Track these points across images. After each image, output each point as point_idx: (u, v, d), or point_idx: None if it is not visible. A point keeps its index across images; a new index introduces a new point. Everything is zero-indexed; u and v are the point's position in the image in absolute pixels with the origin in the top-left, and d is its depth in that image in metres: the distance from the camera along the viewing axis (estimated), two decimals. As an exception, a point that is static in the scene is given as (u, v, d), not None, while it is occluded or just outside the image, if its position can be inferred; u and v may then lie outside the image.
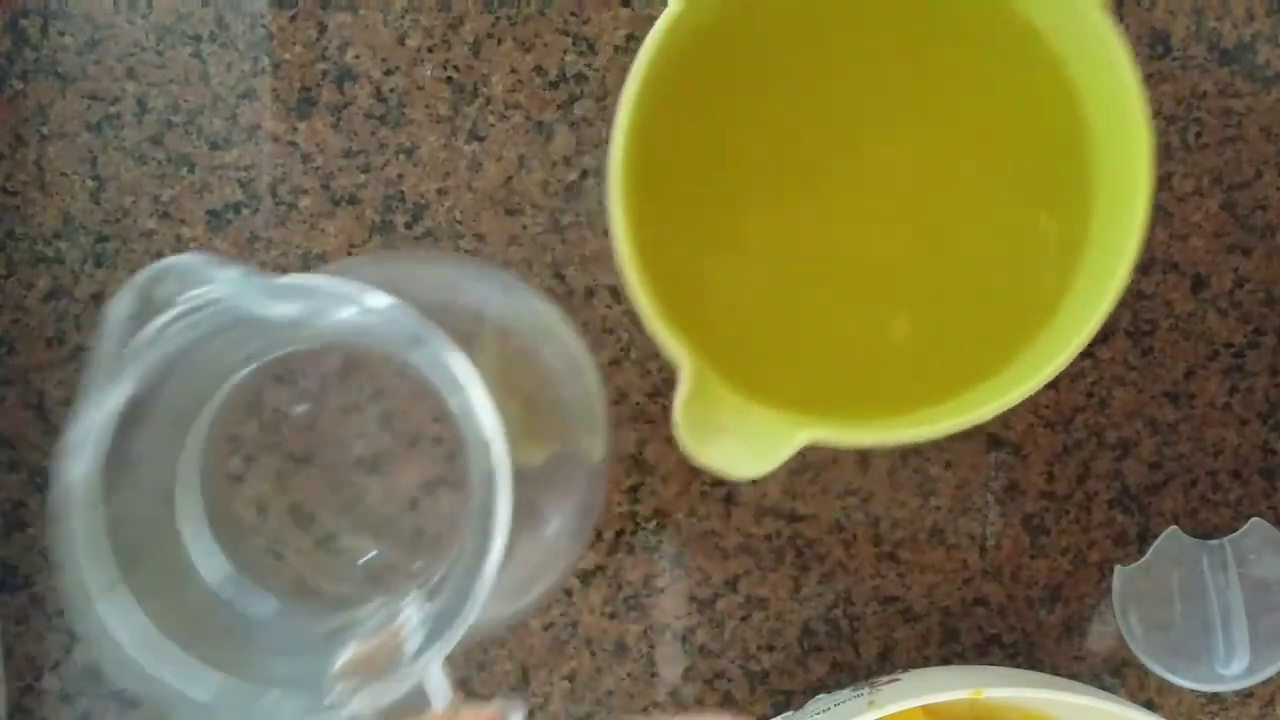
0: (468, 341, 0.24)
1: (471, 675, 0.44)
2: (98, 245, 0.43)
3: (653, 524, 0.43)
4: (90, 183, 0.43)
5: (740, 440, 0.33)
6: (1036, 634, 0.43)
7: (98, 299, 0.43)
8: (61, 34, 0.43)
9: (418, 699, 0.22)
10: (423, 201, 0.43)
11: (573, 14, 0.42)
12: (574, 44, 0.42)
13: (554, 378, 0.32)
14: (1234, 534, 0.42)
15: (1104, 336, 0.42)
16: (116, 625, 0.23)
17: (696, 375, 0.33)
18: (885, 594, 0.43)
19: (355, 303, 0.24)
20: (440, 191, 0.43)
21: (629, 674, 0.44)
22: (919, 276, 0.38)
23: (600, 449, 0.34)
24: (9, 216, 0.43)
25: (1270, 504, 0.43)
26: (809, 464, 0.43)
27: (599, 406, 0.34)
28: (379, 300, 0.24)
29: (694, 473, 0.43)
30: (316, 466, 0.32)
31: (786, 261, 0.38)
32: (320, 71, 0.42)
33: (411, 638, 0.23)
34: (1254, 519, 0.42)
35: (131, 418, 0.23)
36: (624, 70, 0.42)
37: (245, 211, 0.43)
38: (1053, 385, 0.42)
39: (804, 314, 0.38)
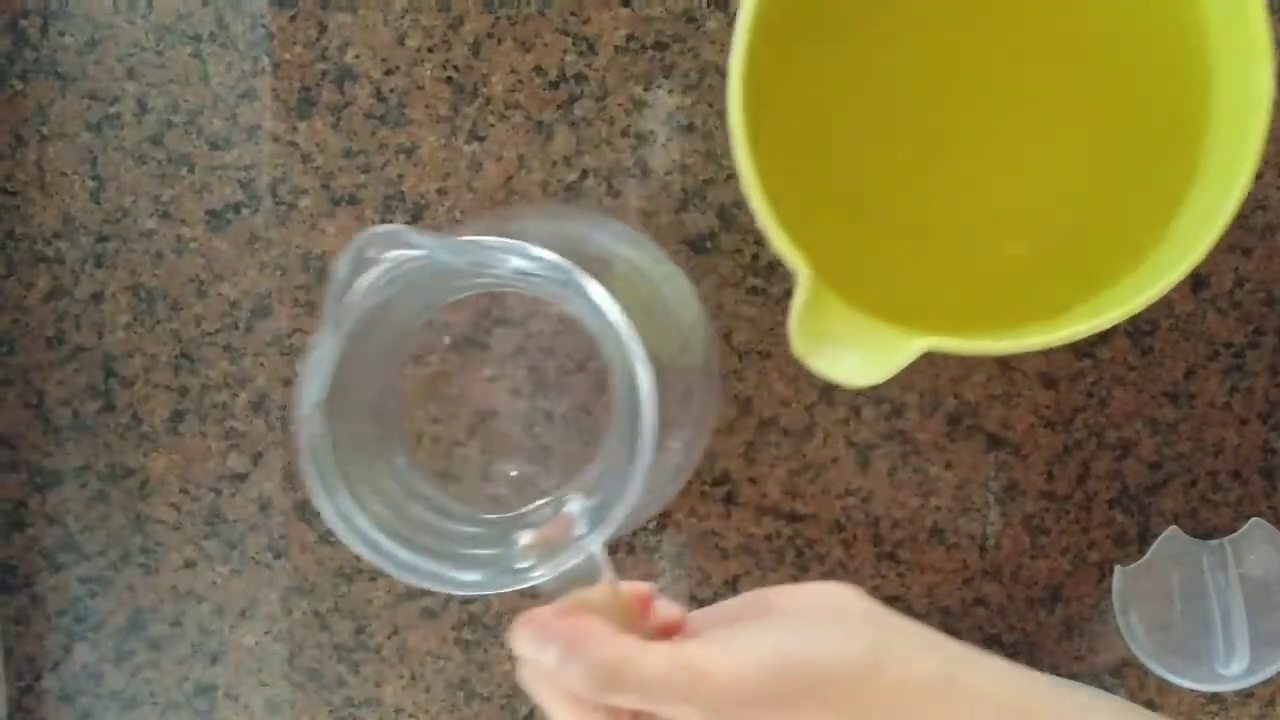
0: (602, 282, 0.29)
1: (471, 675, 0.44)
2: (97, 245, 0.43)
3: (653, 524, 0.43)
4: (90, 182, 0.43)
5: (855, 349, 0.34)
6: (1037, 634, 0.43)
7: (97, 299, 0.43)
8: (61, 34, 0.42)
9: (587, 570, 0.28)
10: (423, 201, 0.43)
11: (572, 14, 0.42)
12: (574, 44, 0.42)
13: (673, 312, 0.37)
14: (1234, 534, 0.42)
15: (1104, 336, 0.42)
16: (344, 525, 0.29)
17: (812, 285, 0.34)
18: (885, 594, 0.43)
19: (522, 255, 0.29)
20: (440, 191, 0.42)
21: (629, 674, 0.44)
22: (1035, 199, 0.39)
23: (710, 376, 0.39)
24: (9, 216, 0.43)
25: (1270, 504, 0.43)
26: (809, 464, 0.43)
27: (710, 340, 0.39)
28: (540, 252, 0.29)
29: (694, 472, 0.43)
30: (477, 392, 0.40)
31: (901, 187, 0.39)
32: (320, 71, 0.42)
33: (579, 523, 0.29)
34: (1254, 519, 0.42)
35: (348, 355, 0.29)
36: (624, 70, 0.42)
37: (245, 211, 0.43)
38: (1052, 385, 0.42)
39: (918, 235, 0.39)
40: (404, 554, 0.29)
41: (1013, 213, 0.39)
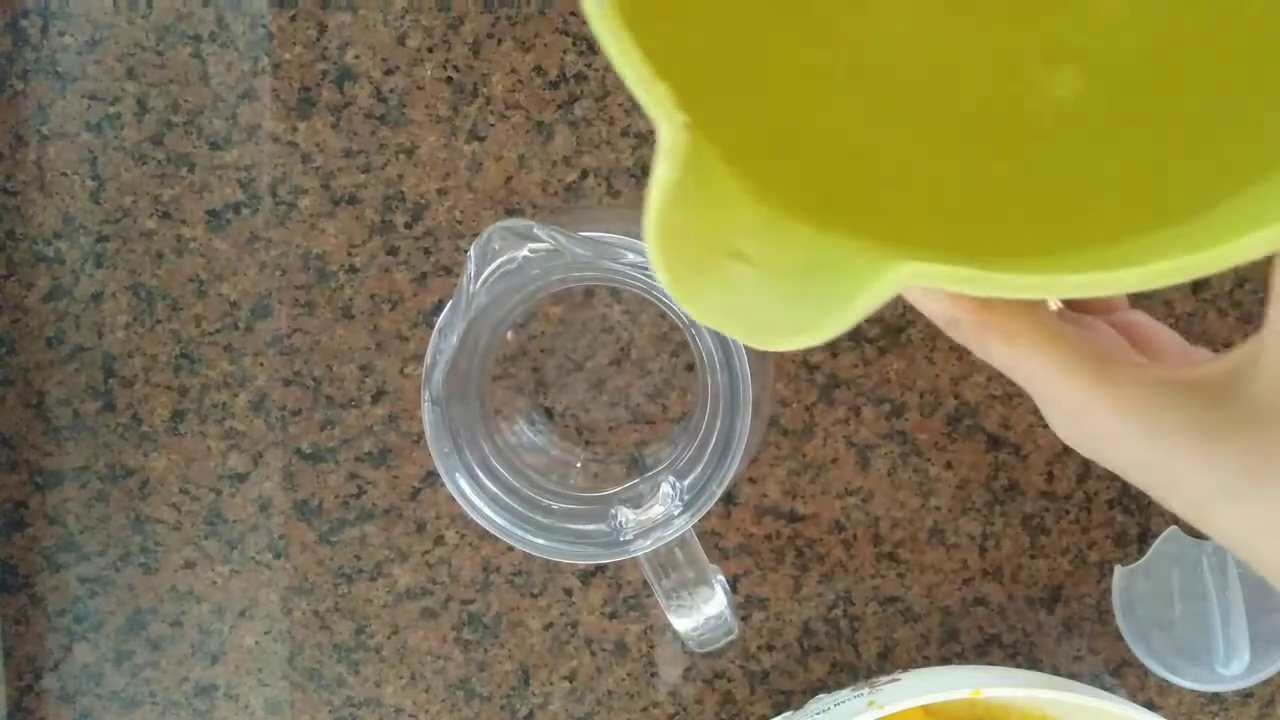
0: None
1: (471, 675, 0.44)
2: (97, 245, 0.43)
3: (653, 524, 0.43)
4: (90, 183, 0.43)
5: (775, 277, 0.20)
6: (1036, 634, 0.43)
7: (97, 299, 0.43)
8: (62, 34, 0.43)
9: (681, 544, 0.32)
10: (423, 201, 0.43)
11: (572, 14, 0.42)
12: (574, 44, 0.42)
13: None
14: (1234, 534, 0.42)
15: (1104, 336, 0.42)
16: (460, 499, 0.33)
17: (690, 154, 0.19)
18: (885, 594, 0.43)
19: (636, 249, 0.31)
20: (440, 191, 0.42)
21: (629, 674, 0.44)
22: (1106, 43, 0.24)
23: (764, 359, 0.39)
24: (9, 217, 0.43)
25: (1270, 504, 0.43)
26: (809, 464, 0.43)
27: None
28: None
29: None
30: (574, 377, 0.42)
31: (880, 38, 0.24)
32: (320, 71, 0.42)
33: (671, 502, 0.32)
34: (1254, 519, 0.42)
35: (465, 342, 0.31)
36: (624, 70, 0.42)
37: (245, 211, 0.43)
38: (1053, 385, 0.42)
39: (890, 73, 0.24)
40: (519, 531, 0.33)
41: (1060, 20, 0.23)
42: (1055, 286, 0.19)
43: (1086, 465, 0.43)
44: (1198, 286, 0.42)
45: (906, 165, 0.23)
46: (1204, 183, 0.21)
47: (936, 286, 0.19)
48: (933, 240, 0.20)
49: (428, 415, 0.32)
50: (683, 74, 0.19)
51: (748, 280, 0.19)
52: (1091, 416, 0.26)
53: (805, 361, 0.43)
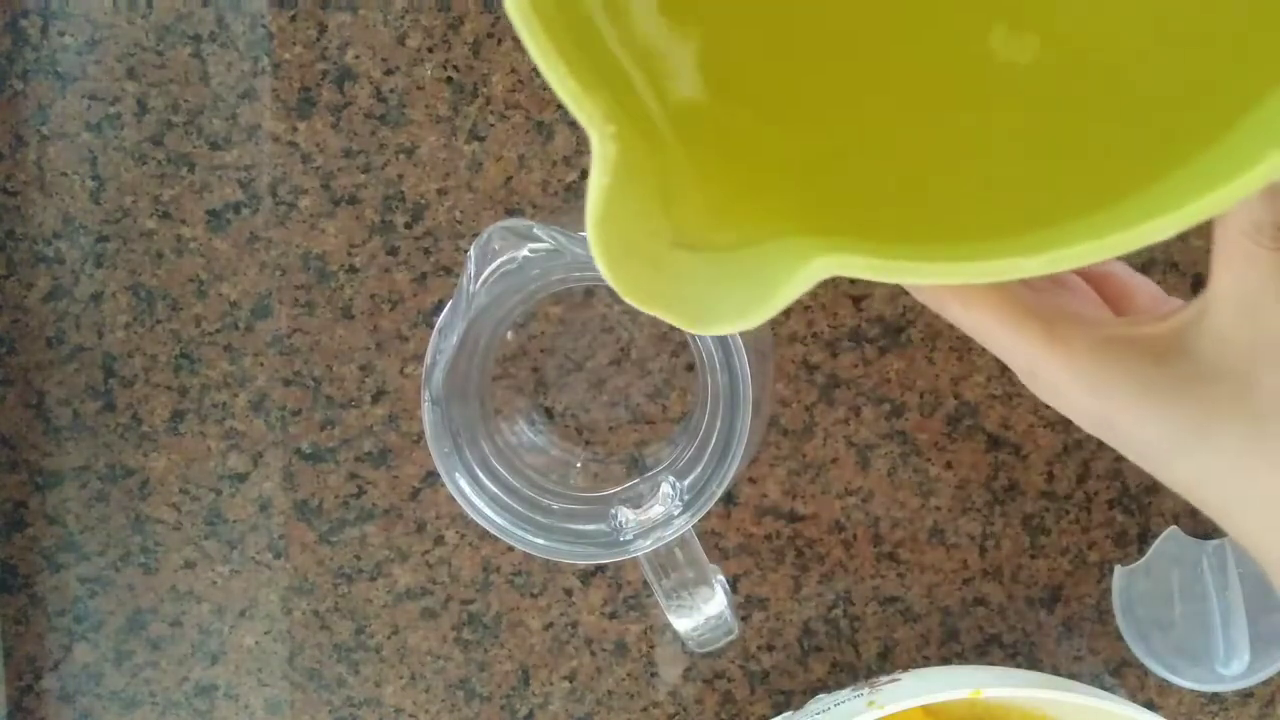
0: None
1: (471, 675, 0.44)
2: (97, 245, 0.43)
3: (653, 524, 0.43)
4: (90, 183, 0.43)
5: (709, 265, 0.21)
6: (1036, 634, 0.43)
7: (97, 299, 0.43)
8: (62, 34, 0.43)
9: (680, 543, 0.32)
10: (423, 201, 0.43)
11: (573, 14, 0.42)
12: (574, 44, 0.42)
13: None
14: (1234, 534, 0.42)
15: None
16: (461, 499, 0.33)
17: (621, 156, 0.21)
18: (885, 594, 0.43)
19: None
20: (440, 191, 0.43)
21: (629, 674, 0.44)
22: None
23: (765, 358, 0.39)
24: (9, 216, 0.43)
25: (1270, 504, 0.43)
26: (809, 464, 0.43)
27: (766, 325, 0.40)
28: None
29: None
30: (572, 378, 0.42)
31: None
32: (320, 71, 0.42)
33: (671, 502, 0.32)
34: (1254, 519, 0.42)
35: (465, 342, 0.32)
36: (624, 70, 0.42)
37: (245, 211, 0.43)
38: (1053, 385, 0.42)
39: (821, 35, 0.24)
40: (519, 531, 0.33)
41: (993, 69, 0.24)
42: (963, 273, 0.20)
43: (1086, 465, 0.43)
44: (1198, 286, 0.42)
45: (853, 138, 0.24)
46: (1147, 155, 0.22)
47: (863, 276, 0.20)
48: (870, 226, 0.22)
49: (428, 415, 0.32)
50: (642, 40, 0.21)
51: (688, 267, 0.21)
52: (1042, 374, 0.28)
53: (805, 362, 0.43)
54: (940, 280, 0.20)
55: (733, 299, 0.21)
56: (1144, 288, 0.32)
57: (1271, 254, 0.25)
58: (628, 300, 0.21)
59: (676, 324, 0.21)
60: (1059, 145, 0.23)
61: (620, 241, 0.21)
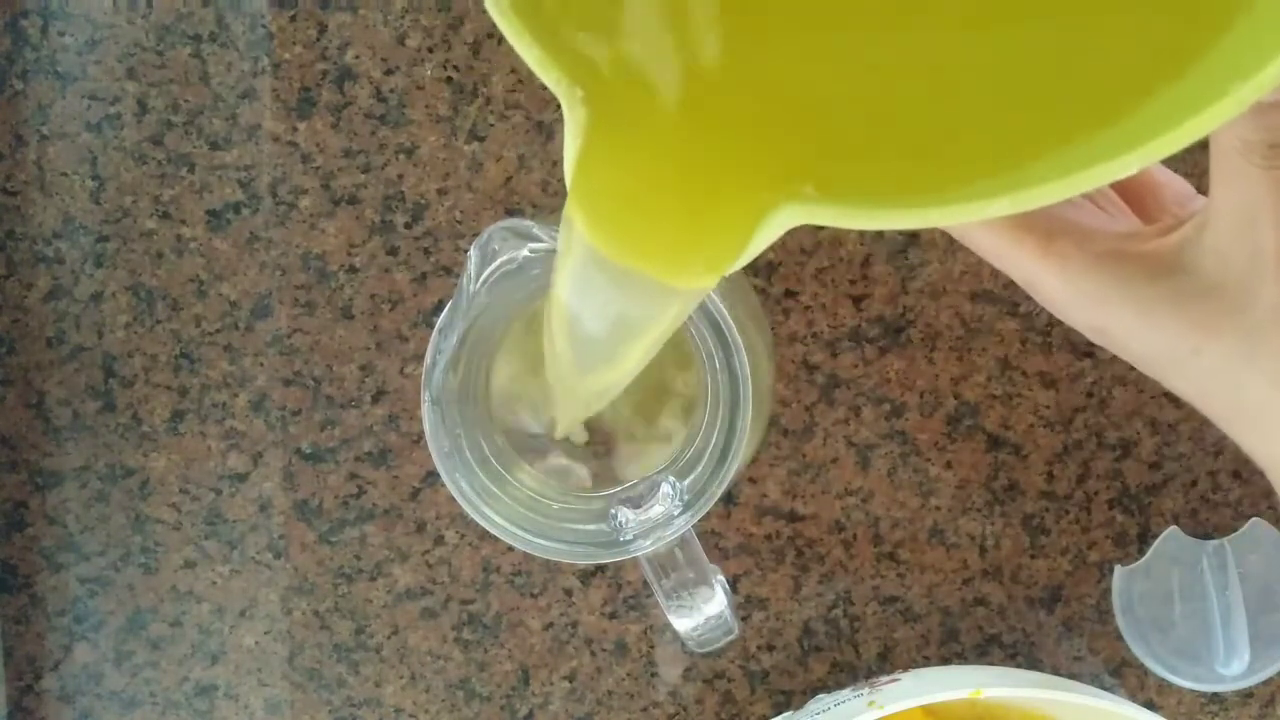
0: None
1: (471, 675, 0.44)
2: (98, 245, 0.43)
3: (653, 524, 0.43)
4: (90, 183, 0.43)
5: (680, 219, 0.22)
6: (1036, 634, 0.43)
7: (97, 299, 0.43)
8: (62, 34, 0.43)
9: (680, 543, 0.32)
10: (423, 201, 0.43)
11: (573, 14, 0.42)
12: (574, 44, 0.42)
13: (749, 309, 0.38)
14: (1234, 534, 0.42)
15: (1104, 336, 0.42)
16: (461, 498, 0.33)
17: (593, 115, 0.22)
18: (885, 594, 0.43)
19: None
20: (440, 191, 0.43)
21: (629, 674, 0.44)
22: None
23: (769, 358, 0.40)
24: (9, 216, 0.43)
25: (1270, 504, 0.43)
26: (809, 464, 0.43)
27: (765, 323, 0.40)
28: None
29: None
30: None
31: None
32: (320, 71, 0.42)
33: (671, 502, 0.32)
34: (1254, 519, 0.42)
35: (465, 341, 0.32)
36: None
37: (245, 211, 0.43)
38: (1053, 385, 0.42)
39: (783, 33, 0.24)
40: (519, 531, 0.33)
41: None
42: (927, 218, 0.21)
43: (1086, 466, 0.43)
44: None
45: (819, 84, 0.24)
46: (1114, 88, 0.22)
47: (829, 224, 0.21)
48: (837, 176, 0.22)
49: (428, 415, 0.32)
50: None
51: (660, 221, 0.22)
52: (1040, 288, 0.28)
53: (805, 362, 0.43)
54: (905, 225, 0.21)
55: (704, 251, 0.22)
56: (1170, 184, 0.32)
57: (1263, 172, 0.25)
58: (608, 254, 0.22)
59: (653, 275, 0.22)
60: (1026, 80, 0.23)
61: (595, 200, 0.22)
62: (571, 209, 0.22)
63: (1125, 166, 0.19)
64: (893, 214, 0.21)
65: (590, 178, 0.22)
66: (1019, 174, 0.20)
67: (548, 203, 0.42)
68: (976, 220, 0.23)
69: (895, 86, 0.23)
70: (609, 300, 0.24)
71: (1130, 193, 0.32)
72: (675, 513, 0.32)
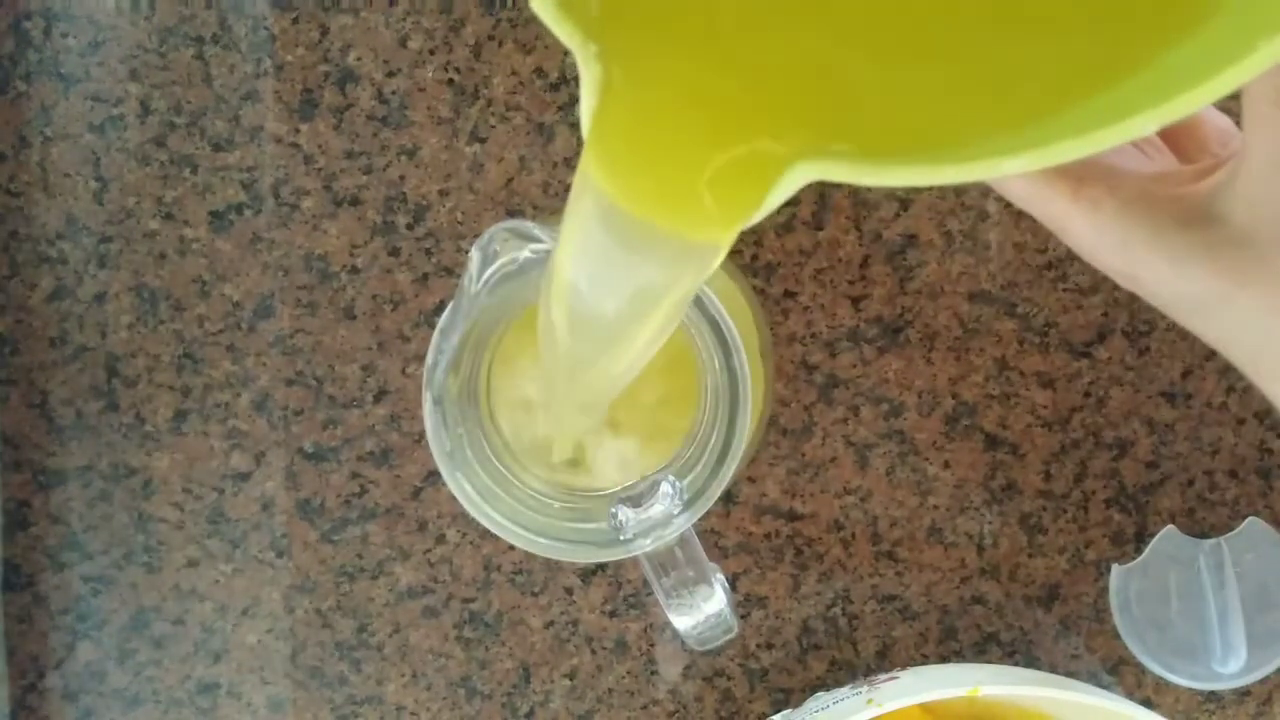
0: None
1: (472, 673, 0.44)
2: (100, 246, 0.43)
3: (653, 523, 0.43)
4: (93, 184, 0.43)
5: (696, 174, 0.22)
6: (1034, 632, 0.43)
7: (101, 299, 0.43)
8: (65, 36, 0.43)
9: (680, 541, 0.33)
10: (424, 203, 0.43)
11: (573, 16, 0.42)
12: (574, 46, 0.42)
13: (748, 309, 0.38)
14: (1231, 533, 0.42)
15: (1100, 336, 0.43)
16: (462, 497, 0.33)
17: (609, 71, 0.22)
18: (884, 592, 0.43)
19: None
20: (442, 193, 0.43)
21: (629, 672, 0.44)
22: None
23: (766, 357, 0.40)
24: (13, 217, 0.43)
25: (1267, 503, 0.43)
26: (808, 463, 0.43)
27: (764, 324, 0.41)
28: None
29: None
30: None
31: None
32: (322, 73, 0.42)
33: (671, 501, 0.32)
34: (1251, 518, 0.42)
35: (467, 341, 0.32)
36: (624, 72, 0.42)
37: (248, 212, 0.43)
38: (1050, 385, 0.43)
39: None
40: (520, 530, 0.33)
41: None
42: (943, 175, 0.20)
43: (1084, 465, 0.43)
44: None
45: (833, 38, 0.23)
46: (1136, 40, 0.21)
47: (845, 180, 0.21)
48: (852, 133, 0.22)
49: (429, 415, 0.32)
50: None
51: (674, 179, 0.22)
52: (1070, 233, 0.28)
53: (804, 361, 0.43)
54: (920, 182, 0.20)
55: (721, 202, 0.22)
56: (1211, 121, 0.32)
57: None
58: (625, 204, 0.22)
59: (669, 226, 0.22)
60: (1046, 33, 0.22)
61: (613, 151, 0.22)
62: (588, 162, 0.22)
63: (1146, 124, 0.19)
64: (909, 170, 0.20)
65: (607, 131, 0.22)
66: (1038, 131, 0.20)
67: (548, 204, 0.43)
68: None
69: (916, 39, 0.23)
70: (620, 263, 0.24)
71: (1168, 131, 0.31)
72: (675, 512, 0.32)
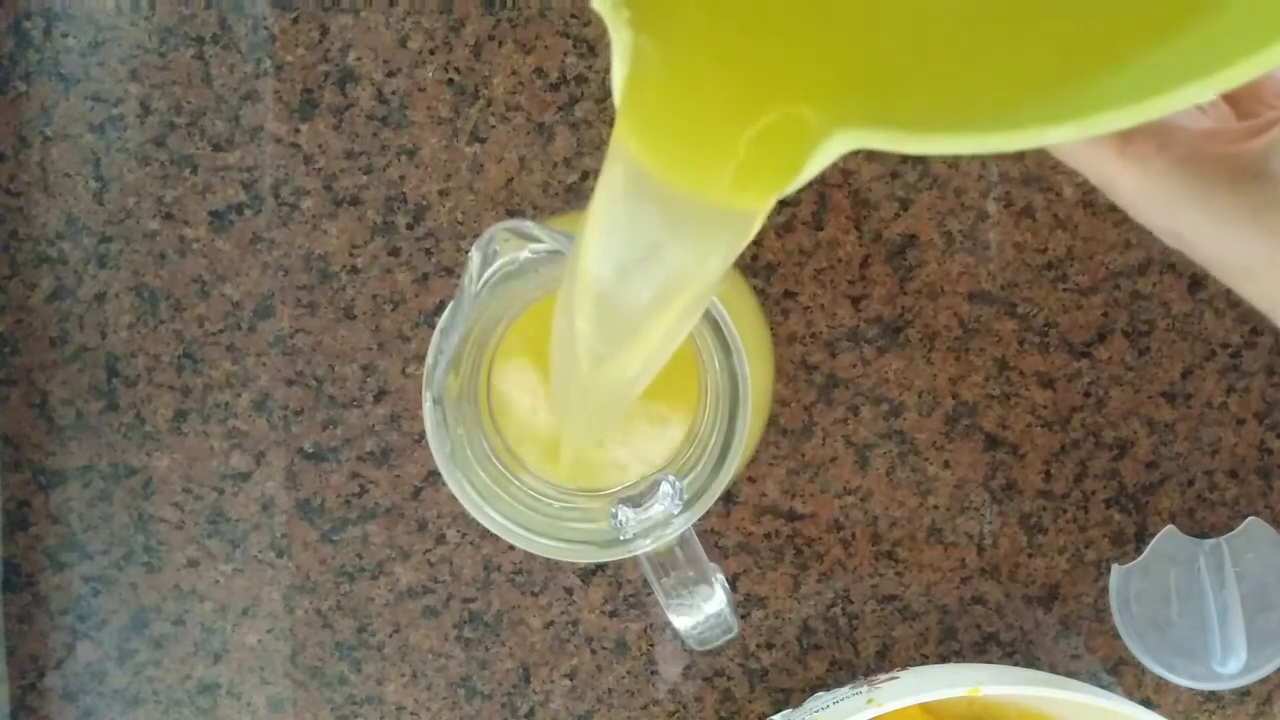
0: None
1: (472, 673, 0.44)
2: (100, 246, 0.43)
3: (653, 523, 0.43)
4: (93, 184, 0.43)
5: (732, 135, 0.21)
6: (1034, 632, 0.43)
7: (101, 299, 0.43)
8: (65, 36, 0.43)
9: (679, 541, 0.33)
10: (424, 203, 0.43)
11: (573, 16, 0.42)
12: (574, 46, 0.42)
13: (749, 310, 0.38)
14: (1231, 533, 0.42)
15: (1100, 336, 0.43)
16: (462, 497, 0.33)
17: (640, 38, 0.21)
18: (884, 592, 0.43)
19: None
20: (442, 193, 0.43)
21: (629, 671, 0.44)
22: None
23: (766, 359, 0.40)
24: (13, 217, 0.43)
25: (1267, 503, 0.43)
26: (808, 463, 0.43)
27: (765, 324, 0.41)
28: None
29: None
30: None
31: None
32: (322, 73, 0.43)
33: (671, 501, 0.32)
34: (1250, 518, 0.42)
35: (467, 341, 0.32)
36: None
37: (248, 212, 0.43)
38: (1050, 385, 0.43)
39: None
40: (520, 530, 0.33)
41: None
42: (985, 144, 0.20)
43: (1084, 465, 0.43)
44: (1194, 287, 0.42)
45: (837, 48, 0.23)
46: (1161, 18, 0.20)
47: (878, 148, 0.20)
48: (891, 102, 0.21)
49: (429, 415, 0.32)
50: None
51: (711, 145, 0.21)
52: (1117, 190, 0.27)
53: (804, 361, 0.43)
54: (966, 150, 0.20)
55: (757, 169, 0.21)
56: (1271, 74, 0.31)
57: None
58: (659, 171, 0.21)
59: (708, 197, 0.21)
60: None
61: (646, 117, 0.21)
62: (621, 130, 0.21)
63: (1201, 92, 0.17)
64: (955, 139, 0.20)
65: (641, 98, 0.21)
66: (1086, 95, 0.19)
67: (548, 204, 0.43)
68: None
69: (958, 4, 0.22)
70: (650, 239, 0.23)
71: None
72: (675, 512, 0.32)
